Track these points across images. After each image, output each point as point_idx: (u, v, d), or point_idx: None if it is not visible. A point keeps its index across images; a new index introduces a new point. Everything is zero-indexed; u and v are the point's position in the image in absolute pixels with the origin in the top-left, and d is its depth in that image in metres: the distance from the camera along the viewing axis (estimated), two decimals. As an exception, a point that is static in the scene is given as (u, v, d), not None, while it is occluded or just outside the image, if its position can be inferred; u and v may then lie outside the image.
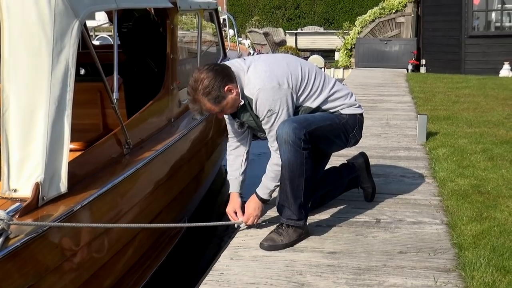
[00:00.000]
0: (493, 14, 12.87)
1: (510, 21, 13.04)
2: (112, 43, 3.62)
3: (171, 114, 4.19)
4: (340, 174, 3.57)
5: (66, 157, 2.57)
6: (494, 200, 3.71)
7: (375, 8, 14.90)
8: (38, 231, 2.29)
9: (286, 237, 3.05)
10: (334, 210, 3.58)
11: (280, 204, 3.10)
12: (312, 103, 3.07)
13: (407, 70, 13.30)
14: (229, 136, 3.38)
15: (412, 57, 13.59)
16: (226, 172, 6.45)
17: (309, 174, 2.98)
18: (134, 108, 3.95)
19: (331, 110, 3.15)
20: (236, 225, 3.33)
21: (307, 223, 3.17)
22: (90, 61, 3.03)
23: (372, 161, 4.38)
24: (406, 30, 14.49)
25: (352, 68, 14.34)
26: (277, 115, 2.94)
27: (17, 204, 2.35)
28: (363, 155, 3.69)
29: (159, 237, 3.60)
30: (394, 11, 14.54)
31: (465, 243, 3.03)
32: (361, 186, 3.69)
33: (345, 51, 14.94)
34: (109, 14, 4.31)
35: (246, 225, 3.26)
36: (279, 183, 3.10)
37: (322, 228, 3.31)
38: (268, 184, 3.15)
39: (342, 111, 3.17)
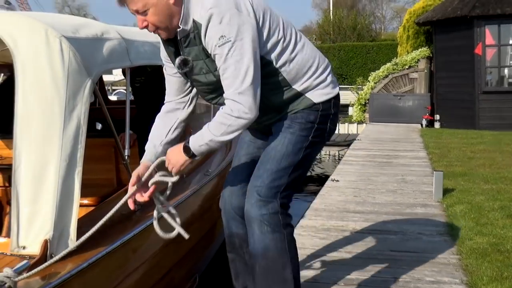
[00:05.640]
0: (506, 70, 12.91)
1: (523, 77, 13.07)
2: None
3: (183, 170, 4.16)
4: None
5: (75, 214, 2.54)
6: (514, 259, 3.59)
7: (388, 64, 15.07)
8: (45, 288, 2.24)
9: None
10: (351, 268, 3.49)
11: None
12: (290, 73, 2.31)
13: (421, 125, 13.30)
14: (166, 95, 2.63)
15: (426, 112, 13.60)
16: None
17: (296, 262, 2.34)
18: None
19: (304, 92, 2.37)
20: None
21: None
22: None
23: (388, 218, 4.33)
24: (419, 85, 14.59)
25: (366, 123, 14.37)
26: (232, 44, 2.13)
27: (25, 261, 2.32)
28: None
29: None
30: (407, 67, 14.69)
31: (486, 304, 2.92)
32: None
33: (359, 106, 15.02)
34: (123, 69, 4.36)
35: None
36: (219, 140, 2.26)
37: (339, 287, 3.21)
38: (206, 135, 2.27)
39: (314, 99, 2.36)
